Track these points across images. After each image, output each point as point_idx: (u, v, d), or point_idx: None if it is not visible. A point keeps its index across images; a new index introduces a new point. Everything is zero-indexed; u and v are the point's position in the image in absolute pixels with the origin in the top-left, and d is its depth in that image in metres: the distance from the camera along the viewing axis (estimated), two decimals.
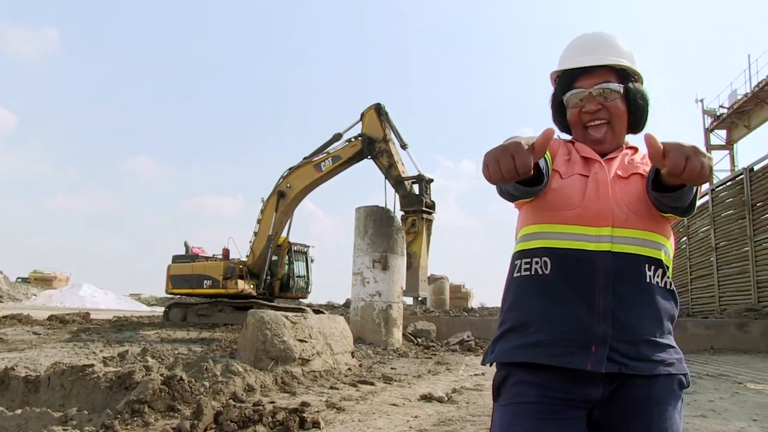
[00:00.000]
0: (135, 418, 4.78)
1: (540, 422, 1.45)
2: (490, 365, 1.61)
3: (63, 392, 5.46)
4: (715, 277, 20.12)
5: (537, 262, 1.53)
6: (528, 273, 1.55)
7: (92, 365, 5.67)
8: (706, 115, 31.38)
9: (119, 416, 4.74)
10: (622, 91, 1.67)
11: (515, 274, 1.59)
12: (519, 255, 1.59)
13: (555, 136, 1.63)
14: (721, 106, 30.31)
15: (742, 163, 27.22)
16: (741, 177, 18.47)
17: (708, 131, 31.22)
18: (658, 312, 1.53)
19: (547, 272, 1.51)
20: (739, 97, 28.32)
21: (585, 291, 1.48)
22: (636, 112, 1.71)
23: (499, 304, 1.71)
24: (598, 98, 1.65)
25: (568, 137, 1.78)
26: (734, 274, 18.97)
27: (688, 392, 6.94)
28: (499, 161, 1.28)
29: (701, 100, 31.73)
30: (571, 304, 1.48)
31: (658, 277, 1.54)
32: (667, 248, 1.57)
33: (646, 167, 1.64)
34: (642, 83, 1.74)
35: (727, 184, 20.12)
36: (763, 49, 53.82)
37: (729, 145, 30.77)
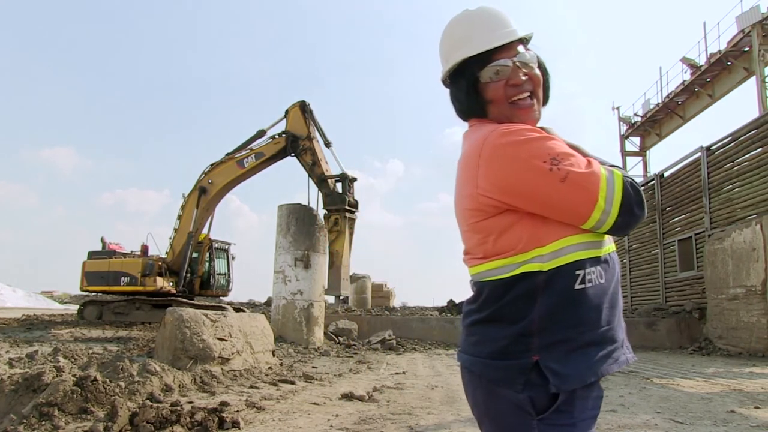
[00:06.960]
0: (43, 422, 4.54)
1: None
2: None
3: None
4: (628, 278, 20.99)
5: (593, 272, 1.45)
6: (591, 284, 1.44)
7: None
8: (621, 122, 32.68)
9: (25, 421, 4.49)
10: (536, 59, 1.62)
11: (577, 286, 1.43)
12: (574, 266, 1.43)
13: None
14: (636, 114, 31.64)
15: (653, 169, 28.46)
16: (652, 182, 19.34)
17: (623, 138, 32.53)
18: None
19: (602, 281, 1.45)
20: (651, 106, 29.61)
21: (619, 292, 1.53)
22: (548, 81, 1.66)
23: (421, 303, 1.60)
24: (523, 68, 1.56)
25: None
26: (645, 275, 19.85)
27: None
28: None
29: (618, 108, 33.05)
30: (618, 306, 1.50)
31: None
32: None
33: None
34: None
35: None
36: (673, 61, 56.42)
37: (642, 152, 32.18)
